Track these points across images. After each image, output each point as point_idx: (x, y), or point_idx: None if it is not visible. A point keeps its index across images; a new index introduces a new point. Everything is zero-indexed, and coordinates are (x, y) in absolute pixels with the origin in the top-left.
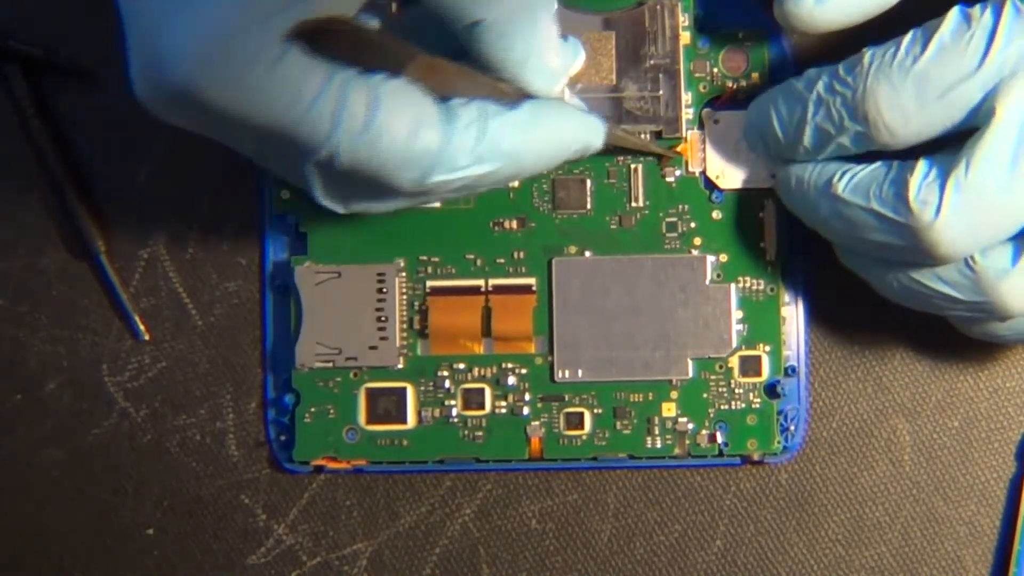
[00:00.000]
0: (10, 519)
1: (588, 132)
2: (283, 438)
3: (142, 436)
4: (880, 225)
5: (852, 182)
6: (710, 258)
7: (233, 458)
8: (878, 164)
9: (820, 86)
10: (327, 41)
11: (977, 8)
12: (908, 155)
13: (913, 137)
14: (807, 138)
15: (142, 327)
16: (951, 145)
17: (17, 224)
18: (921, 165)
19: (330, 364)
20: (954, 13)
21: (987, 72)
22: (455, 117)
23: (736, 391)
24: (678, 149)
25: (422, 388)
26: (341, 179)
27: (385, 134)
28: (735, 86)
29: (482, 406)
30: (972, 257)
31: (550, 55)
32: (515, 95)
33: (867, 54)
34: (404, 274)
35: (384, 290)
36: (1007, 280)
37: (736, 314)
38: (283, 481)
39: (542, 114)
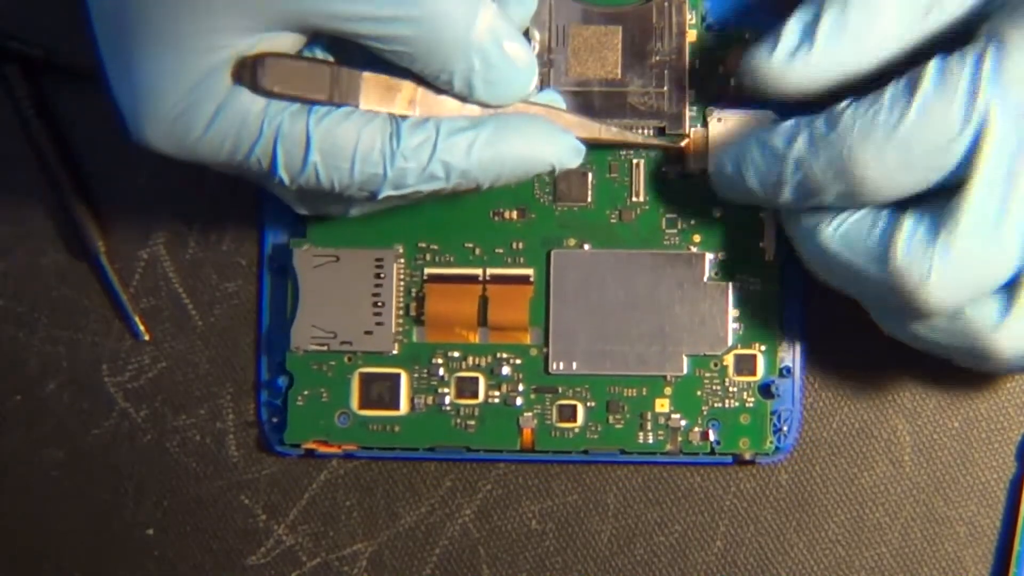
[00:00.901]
0: (10, 519)
1: (559, 153)
2: (275, 420)
3: (142, 436)
4: (868, 279)
5: (838, 232)
6: (709, 255)
7: (233, 458)
8: (863, 213)
9: (800, 144)
10: (273, 76)
11: (955, 59)
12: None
13: (898, 195)
14: (786, 195)
15: (142, 327)
16: (935, 196)
17: (17, 224)
18: (907, 223)
19: (325, 348)
20: (933, 66)
21: (971, 128)
22: (401, 140)
23: (730, 389)
24: (681, 145)
25: (416, 375)
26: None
27: (324, 166)
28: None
29: (475, 395)
30: (962, 309)
31: (497, 69)
32: (480, 111)
33: (847, 111)
34: (402, 260)
35: (382, 275)
36: (998, 331)
37: (733, 312)
38: (283, 481)
39: (504, 133)
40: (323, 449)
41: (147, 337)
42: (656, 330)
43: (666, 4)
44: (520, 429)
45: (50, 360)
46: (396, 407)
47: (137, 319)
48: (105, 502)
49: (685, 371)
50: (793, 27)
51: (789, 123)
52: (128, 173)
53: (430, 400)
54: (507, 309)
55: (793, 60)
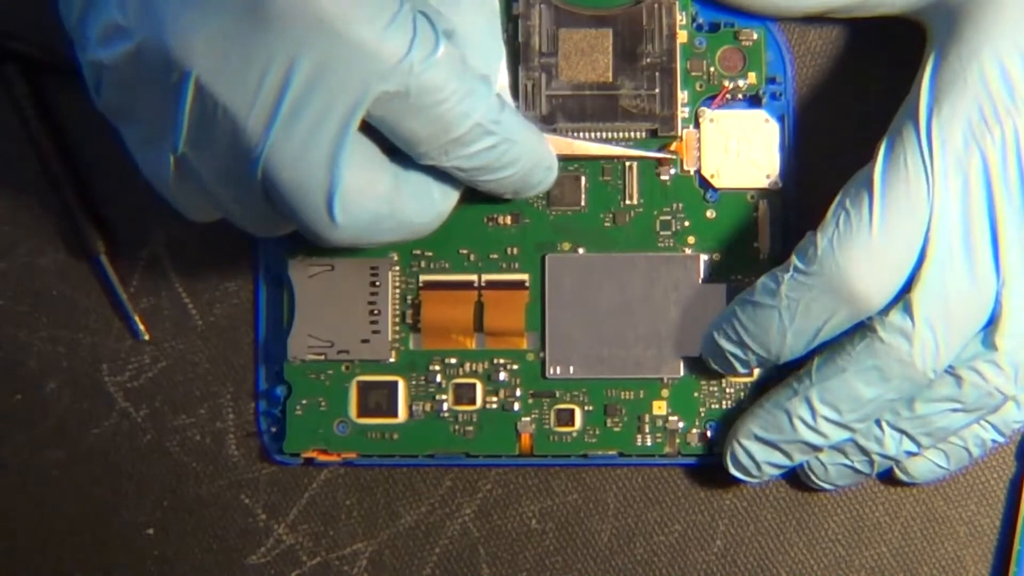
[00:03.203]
0: (10, 519)
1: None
2: (274, 430)
3: (142, 436)
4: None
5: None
6: (703, 257)
7: (233, 458)
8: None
9: (784, 291)
10: None
11: (901, 159)
12: None
13: (894, 291)
14: (791, 341)
15: (142, 327)
16: None
17: (17, 224)
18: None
19: (322, 357)
20: (880, 167)
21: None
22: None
23: (727, 390)
24: (672, 148)
25: (413, 382)
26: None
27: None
28: (731, 85)
29: (473, 401)
30: (951, 366)
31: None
32: None
33: (817, 235)
34: (397, 268)
35: (377, 284)
36: (991, 367)
37: None
38: (283, 481)
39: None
40: (322, 458)
41: (147, 337)
42: (652, 332)
43: (656, 6)
44: (518, 434)
45: (50, 360)
46: (394, 415)
47: (137, 319)
48: (105, 502)
49: (682, 373)
50: None
51: (763, 280)
52: (128, 173)
53: (428, 407)
54: (503, 315)
55: None
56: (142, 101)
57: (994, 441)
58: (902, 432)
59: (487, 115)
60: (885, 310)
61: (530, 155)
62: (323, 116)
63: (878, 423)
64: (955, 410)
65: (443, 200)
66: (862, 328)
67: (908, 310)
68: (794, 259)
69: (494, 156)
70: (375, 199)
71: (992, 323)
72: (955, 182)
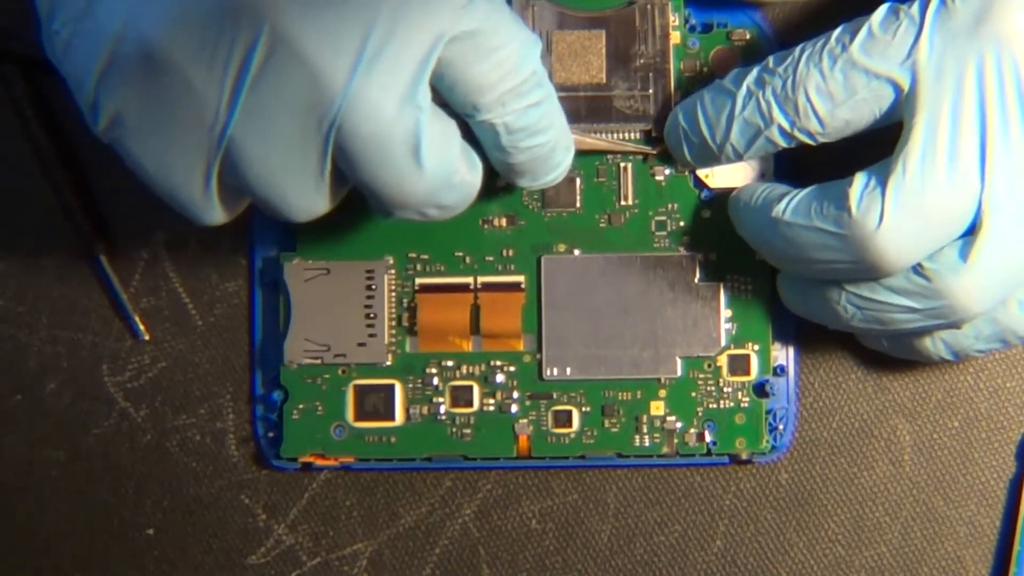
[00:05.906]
0: (10, 519)
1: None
2: (271, 435)
3: (142, 436)
4: (824, 242)
5: (792, 204)
6: (699, 257)
7: (233, 458)
8: (816, 185)
9: (749, 79)
10: None
11: (905, 5)
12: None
13: (842, 127)
14: (735, 134)
15: (142, 327)
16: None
17: (17, 224)
18: (859, 176)
19: (318, 361)
20: (884, 7)
21: (914, 63)
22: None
23: (725, 390)
24: (654, 151)
25: (410, 385)
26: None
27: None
28: None
29: (470, 403)
30: (920, 263)
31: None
32: None
33: (798, 47)
34: (393, 271)
35: (373, 287)
36: (959, 280)
37: (725, 313)
38: (283, 481)
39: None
40: (320, 462)
41: (147, 337)
42: (649, 333)
43: (649, 6)
44: (516, 436)
45: (50, 360)
46: (391, 418)
47: (137, 319)
48: (105, 502)
49: (679, 373)
50: None
51: (741, 68)
52: (128, 173)
53: (425, 410)
54: (499, 317)
55: None
56: (176, 84)
57: (941, 358)
58: (857, 307)
59: (539, 66)
60: (853, 176)
61: (560, 123)
62: (404, 59)
63: (839, 288)
64: (910, 310)
65: (481, 169)
66: (837, 197)
67: (882, 192)
68: (771, 57)
69: (539, 114)
70: (453, 144)
71: (971, 233)
72: (948, 80)
